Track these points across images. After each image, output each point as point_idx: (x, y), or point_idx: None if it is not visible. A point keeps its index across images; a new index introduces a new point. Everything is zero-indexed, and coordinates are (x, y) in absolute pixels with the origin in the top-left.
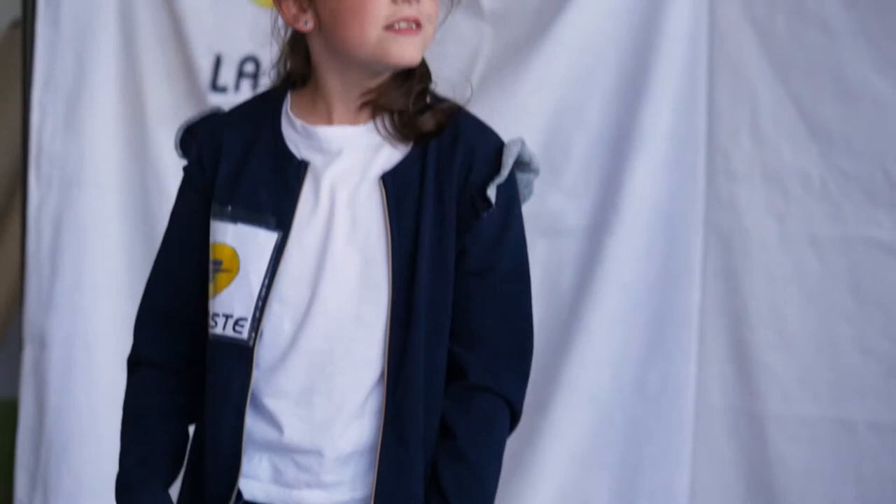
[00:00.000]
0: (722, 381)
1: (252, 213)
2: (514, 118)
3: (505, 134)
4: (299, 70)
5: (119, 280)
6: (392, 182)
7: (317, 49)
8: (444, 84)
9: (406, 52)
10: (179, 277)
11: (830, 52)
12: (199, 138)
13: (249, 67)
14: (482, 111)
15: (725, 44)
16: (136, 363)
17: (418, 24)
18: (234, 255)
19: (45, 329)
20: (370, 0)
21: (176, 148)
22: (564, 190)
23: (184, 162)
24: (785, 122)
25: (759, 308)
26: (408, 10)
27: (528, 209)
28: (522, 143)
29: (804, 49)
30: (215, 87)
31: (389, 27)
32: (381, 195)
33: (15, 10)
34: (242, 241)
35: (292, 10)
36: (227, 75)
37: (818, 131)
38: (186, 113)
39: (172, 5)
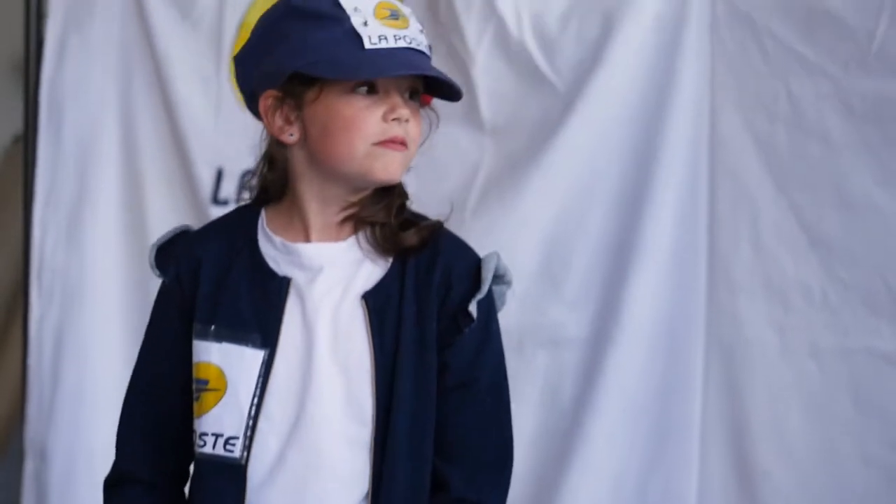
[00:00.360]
0: (724, 491)
1: (236, 332)
2: (515, 230)
3: (506, 246)
4: (276, 183)
5: (120, 393)
6: (374, 300)
7: (298, 162)
8: (444, 197)
9: (391, 168)
10: (162, 394)
11: (831, 163)
12: (176, 257)
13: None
14: (482, 223)
15: (726, 155)
16: (118, 481)
17: (404, 144)
18: (221, 375)
19: (45, 442)
20: (362, 117)
21: (152, 268)
22: (565, 301)
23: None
24: (786, 233)
25: (761, 418)
26: (397, 129)
27: (529, 320)
28: (498, 256)
29: (805, 160)
30: (217, 200)
31: (378, 143)
32: (364, 313)
33: (17, 125)
34: (229, 360)
35: (278, 121)
36: (229, 188)
37: (819, 242)
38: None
39: (174, 119)
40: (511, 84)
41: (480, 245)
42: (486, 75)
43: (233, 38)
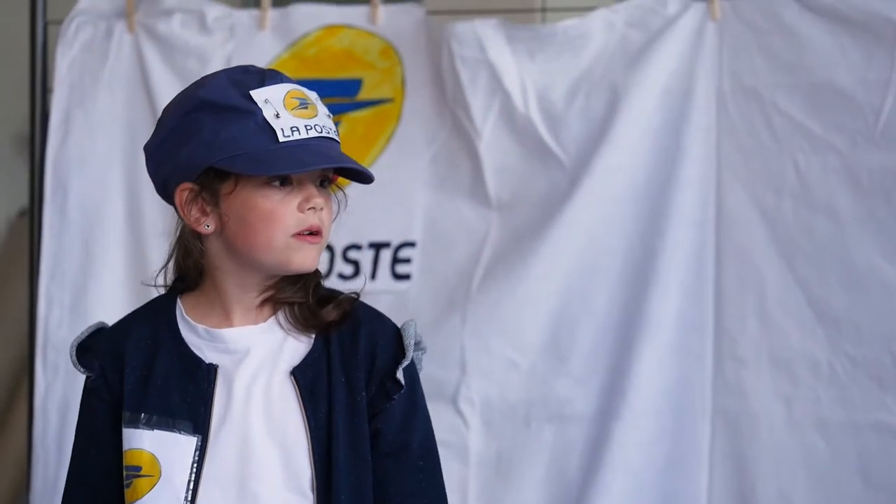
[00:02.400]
0: None
1: (167, 419)
2: (521, 305)
3: (512, 320)
4: (192, 271)
5: None
6: (302, 375)
7: (214, 251)
8: (450, 271)
9: (307, 259)
10: (99, 489)
11: (838, 237)
12: (98, 352)
13: None
14: (489, 298)
15: (733, 229)
16: None
17: (319, 233)
18: (154, 461)
19: None
20: (280, 209)
21: (75, 365)
22: (571, 376)
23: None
24: (792, 306)
25: (767, 492)
26: (313, 219)
27: (535, 395)
28: (415, 324)
29: (811, 234)
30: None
31: (295, 234)
32: (295, 389)
33: (22, 199)
34: (161, 447)
35: (195, 213)
36: None
37: (825, 316)
38: None
39: None
40: (517, 159)
41: (488, 319)
42: (492, 150)
43: None
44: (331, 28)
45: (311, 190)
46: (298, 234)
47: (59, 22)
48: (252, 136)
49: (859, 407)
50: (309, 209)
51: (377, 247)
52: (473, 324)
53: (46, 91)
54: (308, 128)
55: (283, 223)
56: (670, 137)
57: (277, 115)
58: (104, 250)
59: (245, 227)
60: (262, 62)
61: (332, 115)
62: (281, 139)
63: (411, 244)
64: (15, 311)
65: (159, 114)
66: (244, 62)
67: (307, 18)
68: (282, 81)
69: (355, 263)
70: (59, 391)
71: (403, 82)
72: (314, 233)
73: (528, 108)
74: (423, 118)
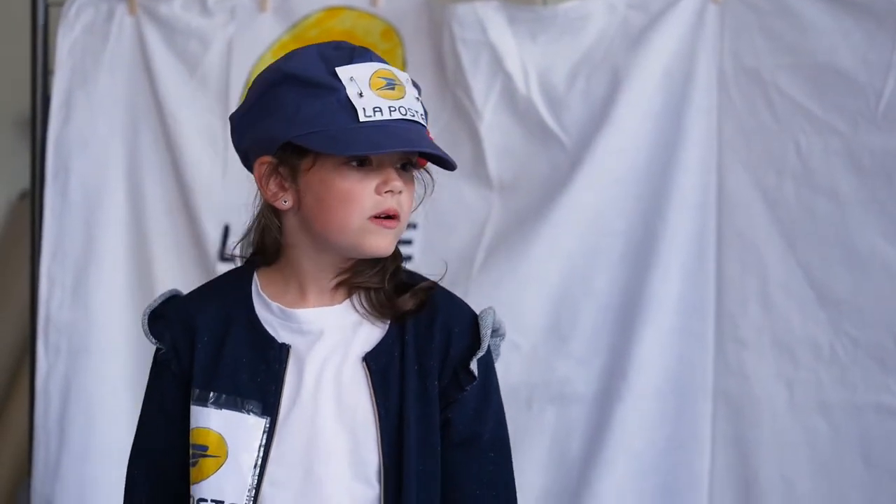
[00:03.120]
0: None
1: (237, 399)
2: (522, 286)
3: (513, 302)
4: (271, 247)
5: (127, 450)
6: (374, 362)
7: (292, 228)
8: (452, 252)
9: (382, 243)
10: (164, 462)
11: (839, 219)
12: (170, 323)
13: None
14: (490, 279)
15: (734, 211)
16: None
17: (397, 217)
18: (222, 441)
19: (52, 498)
20: (357, 190)
21: (147, 335)
22: (573, 358)
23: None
24: (794, 288)
25: (769, 475)
26: (391, 202)
27: (537, 376)
28: (493, 311)
29: (813, 216)
30: (224, 256)
31: (372, 217)
32: (366, 375)
33: (24, 182)
34: (229, 427)
35: (272, 188)
36: None
37: (827, 298)
38: (195, 282)
39: (180, 175)
40: (518, 140)
41: (489, 301)
42: (493, 131)
43: (240, 95)
44: (332, 10)
45: (391, 173)
46: (375, 218)
47: (61, 4)
48: (332, 113)
49: (861, 389)
50: (387, 192)
51: None
52: (475, 305)
53: (48, 73)
54: (392, 109)
55: (359, 204)
56: (671, 119)
57: (361, 94)
58: (105, 232)
59: (321, 206)
60: (262, 44)
61: (421, 98)
62: (362, 119)
63: (412, 226)
64: (16, 294)
65: (160, 96)
66: (245, 44)
67: (308, 0)
68: (371, 60)
69: None
70: (61, 373)
71: (404, 64)
72: (391, 217)
73: (529, 90)
74: (424, 100)
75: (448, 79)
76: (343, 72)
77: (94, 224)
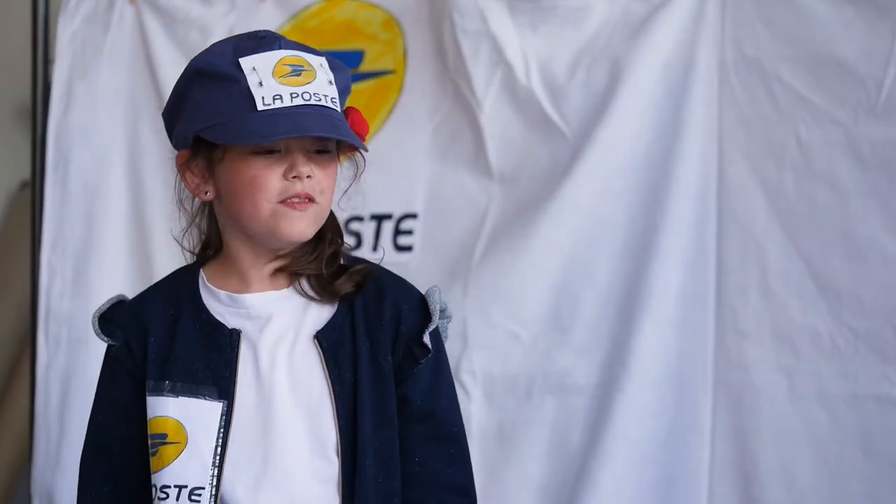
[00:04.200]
0: None
1: (192, 386)
2: (523, 277)
3: (514, 293)
4: (214, 240)
5: None
6: (326, 339)
7: (221, 218)
8: (452, 243)
9: (297, 227)
10: (118, 452)
11: (839, 210)
12: (121, 322)
13: None
14: (491, 270)
15: (734, 202)
16: None
17: (311, 199)
18: (180, 427)
19: (52, 488)
20: (263, 176)
21: (98, 335)
22: (573, 348)
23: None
24: (794, 279)
25: (769, 466)
26: (298, 186)
27: (537, 367)
28: (439, 290)
29: (813, 207)
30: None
31: (282, 201)
32: (318, 353)
33: (24, 172)
34: (187, 414)
35: (195, 180)
36: None
37: (827, 289)
38: None
39: None
40: (519, 131)
41: (490, 291)
42: (493, 122)
43: None
44: (332, 0)
45: (298, 157)
46: (285, 201)
47: None
48: (232, 104)
49: (861, 379)
50: (293, 177)
51: (379, 219)
52: (475, 296)
53: (48, 63)
54: (294, 95)
55: (266, 190)
56: (672, 110)
57: (261, 83)
58: (105, 222)
59: (233, 195)
60: None
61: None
62: (260, 108)
63: (413, 216)
64: (17, 284)
65: (161, 85)
66: None
67: None
68: (280, 48)
69: (357, 235)
70: (62, 363)
71: (405, 54)
72: (302, 199)
73: (529, 80)
74: (424, 90)
75: (449, 69)
76: (246, 62)
77: (95, 214)
